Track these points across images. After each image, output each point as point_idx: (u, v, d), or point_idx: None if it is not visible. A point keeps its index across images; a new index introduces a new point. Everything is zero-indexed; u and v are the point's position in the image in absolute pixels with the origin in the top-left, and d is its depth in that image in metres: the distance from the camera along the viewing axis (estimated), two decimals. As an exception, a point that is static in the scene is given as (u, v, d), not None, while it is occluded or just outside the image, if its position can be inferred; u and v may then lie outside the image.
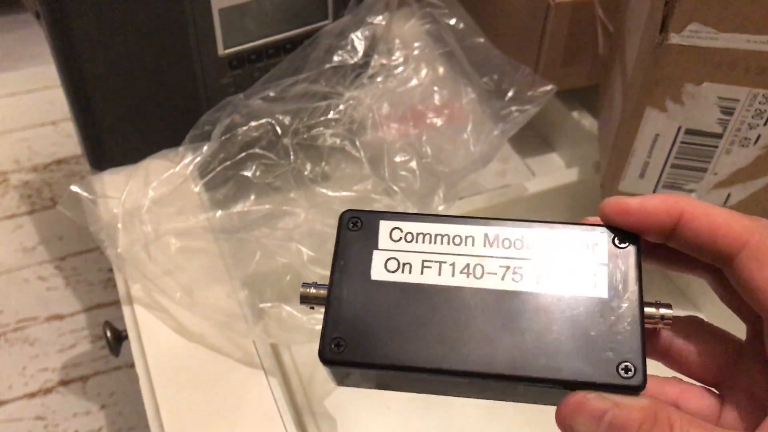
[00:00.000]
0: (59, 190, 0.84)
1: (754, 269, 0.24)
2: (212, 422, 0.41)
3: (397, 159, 0.52)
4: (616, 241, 0.26)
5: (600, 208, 0.27)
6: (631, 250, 0.26)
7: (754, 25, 0.40)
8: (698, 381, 0.28)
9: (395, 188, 0.51)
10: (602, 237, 0.26)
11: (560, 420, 0.24)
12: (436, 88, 0.55)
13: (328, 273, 0.27)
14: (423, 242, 0.27)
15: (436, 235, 0.27)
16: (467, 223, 0.27)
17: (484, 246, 0.26)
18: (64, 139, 0.90)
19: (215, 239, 0.48)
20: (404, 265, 0.26)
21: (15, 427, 0.67)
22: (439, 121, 0.54)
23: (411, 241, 0.27)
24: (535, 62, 0.60)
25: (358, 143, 0.52)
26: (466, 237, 0.27)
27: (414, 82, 0.54)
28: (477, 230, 0.27)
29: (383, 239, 0.27)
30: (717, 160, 0.47)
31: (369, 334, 0.25)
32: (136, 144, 0.55)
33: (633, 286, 0.25)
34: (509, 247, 0.26)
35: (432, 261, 0.26)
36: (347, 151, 0.52)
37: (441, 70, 0.55)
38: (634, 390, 0.24)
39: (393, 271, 0.26)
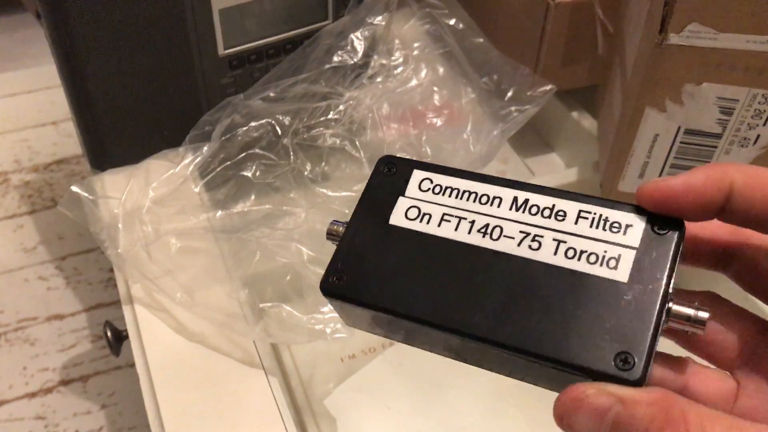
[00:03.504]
0: (60, 191, 0.84)
1: None
2: (212, 422, 0.41)
3: (397, 159, 0.52)
4: (655, 227, 0.24)
5: (638, 195, 0.24)
6: (671, 237, 0.24)
7: (754, 25, 0.40)
8: (714, 363, 0.25)
9: (395, 188, 0.51)
10: (639, 220, 0.24)
11: (558, 417, 0.22)
12: (435, 89, 0.55)
13: None
14: (449, 196, 0.26)
15: (464, 191, 0.26)
16: (499, 184, 0.26)
17: (510, 209, 0.26)
18: (65, 139, 0.90)
19: (215, 239, 0.48)
20: (424, 215, 0.26)
21: (15, 427, 0.67)
22: (438, 121, 0.54)
23: (438, 194, 0.27)
24: (535, 62, 0.60)
25: (357, 143, 0.52)
26: (494, 197, 0.26)
27: (414, 82, 0.54)
28: (507, 193, 0.26)
29: (412, 188, 0.27)
30: (716, 160, 0.47)
31: (371, 275, 0.25)
32: (136, 144, 0.55)
33: (660, 276, 0.23)
34: (536, 214, 0.25)
35: (452, 216, 0.26)
36: (347, 151, 0.52)
37: (441, 70, 0.55)
38: (630, 385, 0.21)
39: (411, 219, 0.26)
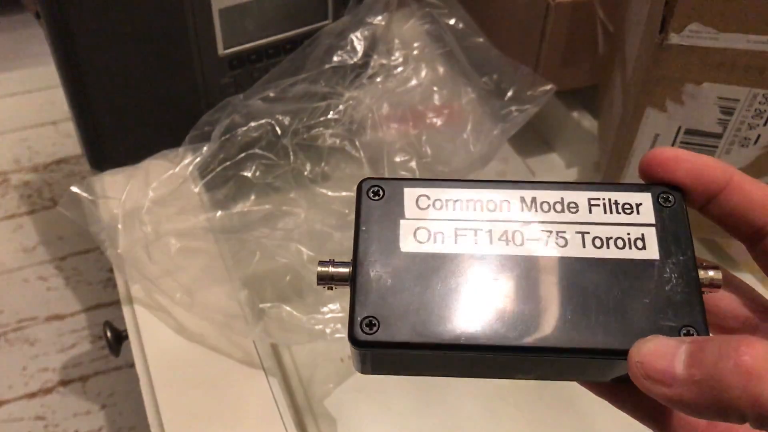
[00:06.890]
0: (59, 191, 0.84)
1: None
2: (212, 422, 0.41)
3: (397, 159, 0.52)
4: (660, 200, 0.24)
5: (647, 159, 0.24)
6: (679, 205, 0.24)
7: (754, 25, 0.40)
8: (718, 329, 0.26)
9: (395, 188, 0.51)
10: (645, 197, 0.24)
11: (634, 368, 0.21)
12: (435, 88, 0.55)
13: None
14: (454, 210, 0.24)
15: (468, 201, 0.25)
16: (500, 187, 0.25)
17: (522, 210, 0.24)
18: (65, 139, 0.90)
19: (215, 239, 0.48)
20: (436, 234, 0.24)
21: (15, 427, 0.66)
22: (438, 121, 0.54)
23: (441, 209, 0.25)
24: (535, 62, 0.60)
25: (357, 143, 0.52)
26: (502, 201, 0.24)
27: (413, 82, 0.54)
28: (512, 194, 0.25)
29: (410, 208, 0.25)
30: (717, 160, 0.47)
31: (403, 312, 0.23)
32: (136, 144, 0.55)
33: (685, 245, 0.24)
34: (549, 210, 0.24)
35: (466, 228, 0.24)
36: (347, 152, 0.52)
37: (441, 70, 0.55)
38: None
39: (423, 242, 0.24)
